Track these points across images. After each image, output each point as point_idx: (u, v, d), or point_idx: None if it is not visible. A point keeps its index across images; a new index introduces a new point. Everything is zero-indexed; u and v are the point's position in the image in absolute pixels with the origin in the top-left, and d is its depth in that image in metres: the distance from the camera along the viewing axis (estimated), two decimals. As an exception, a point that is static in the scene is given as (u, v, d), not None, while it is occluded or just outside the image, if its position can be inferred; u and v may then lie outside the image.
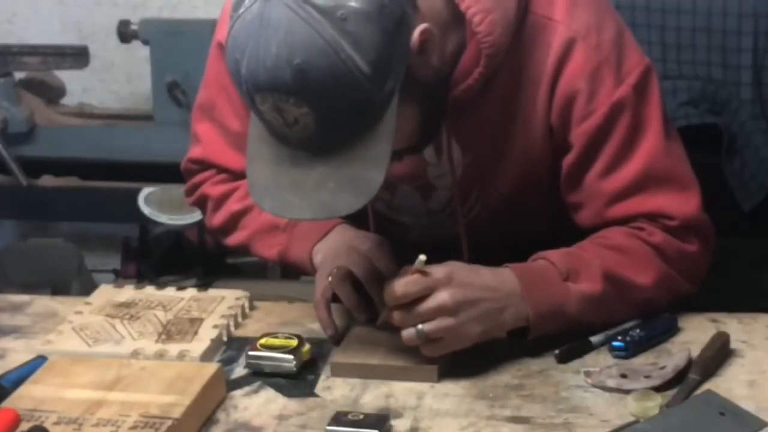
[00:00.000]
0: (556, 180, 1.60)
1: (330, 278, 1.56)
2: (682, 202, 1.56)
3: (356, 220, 1.63)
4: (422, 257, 1.42)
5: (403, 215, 1.71)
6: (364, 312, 1.56)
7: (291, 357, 1.48)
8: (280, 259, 1.70)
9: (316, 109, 1.33)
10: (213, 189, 1.75)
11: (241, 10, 1.34)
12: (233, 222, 1.74)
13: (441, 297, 1.42)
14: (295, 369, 1.48)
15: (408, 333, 1.43)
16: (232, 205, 1.73)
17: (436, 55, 1.44)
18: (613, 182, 1.55)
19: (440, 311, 1.42)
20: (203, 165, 1.77)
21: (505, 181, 1.61)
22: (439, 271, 1.44)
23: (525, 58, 1.52)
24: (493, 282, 1.47)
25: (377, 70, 1.33)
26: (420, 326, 1.43)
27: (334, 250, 1.61)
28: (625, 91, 1.52)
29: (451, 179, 1.60)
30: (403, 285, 1.42)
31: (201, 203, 1.79)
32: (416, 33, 1.38)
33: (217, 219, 1.76)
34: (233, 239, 1.75)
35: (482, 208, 1.65)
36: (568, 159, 1.56)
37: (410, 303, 1.43)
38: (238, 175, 1.73)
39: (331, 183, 1.37)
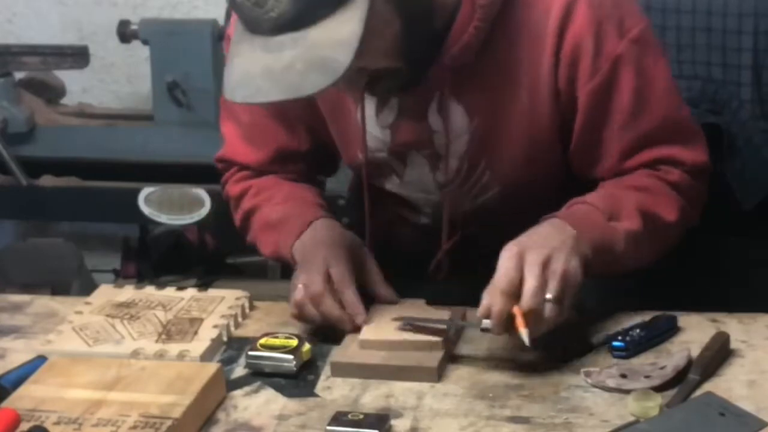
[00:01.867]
0: (565, 145, 1.61)
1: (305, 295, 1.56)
2: (691, 150, 1.61)
3: (357, 222, 1.63)
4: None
5: (414, 191, 1.71)
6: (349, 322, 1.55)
7: (291, 357, 1.48)
8: (275, 257, 1.72)
9: None
10: (232, 188, 1.78)
11: None
12: (247, 221, 1.76)
13: (532, 258, 1.42)
14: (295, 369, 1.48)
15: (550, 309, 1.41)
16: (245, 204, 1.75)
17: None
18: (628, 137, 1.58)
19: (544, 267, 1.42)
20: (226, 163, 1.80)
21: (513, 148, 1.62)
22: (509, 250, 1.43)
23: (523, 17, 1.53)
24: (553, 231, 1.48)
25: None
26: (547, 295, 1.41)
27: (309, 254, 1.61)
28: (626, 47, 1.54)
29: (447, 142, 1.60)
30: (503, 277, 1.41)
31: (228, 203, 1.82)
32: None
33: (237, 219, 1.79)
34: (248, 239, 1.78)
35: (491, 178, 1.66)
36: (579, 121, 1.58)
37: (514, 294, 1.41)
38: (254, 171, 1.75)
39: (299, 64, 1.37)
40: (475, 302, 1.47)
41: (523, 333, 1.40)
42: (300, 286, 1.55)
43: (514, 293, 1.41)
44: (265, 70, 1.39)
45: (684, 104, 1.63)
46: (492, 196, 1.67)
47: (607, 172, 1.62)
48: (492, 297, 1.42)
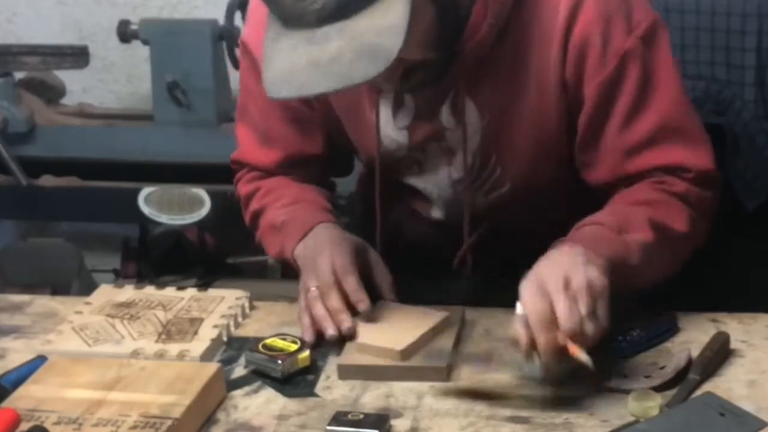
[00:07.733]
0: (572, 143, 1.61)
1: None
2: (696, 155, 1.58)
3: (364, 217, 1.63)
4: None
5: (430, 183, 1.71)
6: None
7: (279, 362, 1.47)
8: (279, 258, 1.72)
9: None
10: (243, 188, 1.79)
11: None
12: (255, 221, 1.76)
13: (553, 284, 1.36)
14: (281, 376, 1.47)
15: (588, 325, 1.36)
16: (254, 205, 1.76)
17: None
18: (630, 135, 1.56)
19: (566, 287, 1.37)
20: (240, 165, 1.80)
21: (522, 144, 1.61)
22: (528, 286, 1.38)
23: (533, 14, 1.53)
24: (562, 255, 1.43)
25: None
26: (582, 311, 1.36)
27: (310, 258, 1.61)
28: (633, 43, 1.53)
29: (464, 139, 1.60)
30: (533, 310, 1.35)
31: (238, 202, 1.82)
32: None
33: (246, 218, 1.79)
34: (257, 238, 1.78)
35: (502, 174, 1.66)
36: (584, 115, 1.57)
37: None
38: (265, 172, 1.76)
39: (348, 54, 1.35)
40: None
41: (583, 357, 1.34)
42: (312, 288, 1.55)
43: (551, 321, 1.35)
44: (311, 63, 1.36)
45: (692, 109, 1.60)
46: (504, 193, 1.67)
47: (610, 174, 1.59)
48: (535, 333, 1.35)
